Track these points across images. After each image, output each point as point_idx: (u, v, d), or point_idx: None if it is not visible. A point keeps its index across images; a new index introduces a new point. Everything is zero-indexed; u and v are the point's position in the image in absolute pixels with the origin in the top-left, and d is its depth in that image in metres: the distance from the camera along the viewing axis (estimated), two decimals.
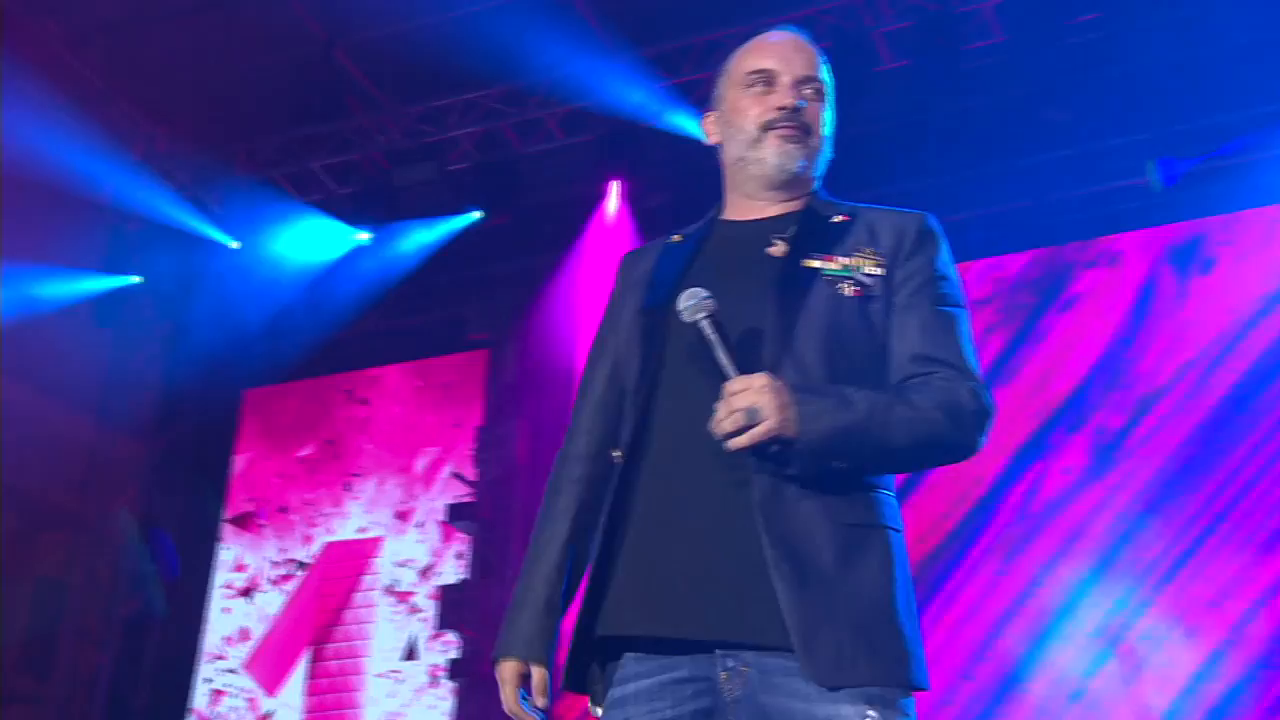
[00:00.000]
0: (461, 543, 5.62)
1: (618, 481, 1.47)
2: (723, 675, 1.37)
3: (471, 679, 5.41)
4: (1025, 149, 5.25)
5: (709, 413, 1.37)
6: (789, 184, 1.63)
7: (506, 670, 1.51)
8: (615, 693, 1.44)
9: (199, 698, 5.88)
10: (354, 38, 5.47)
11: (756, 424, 1.32)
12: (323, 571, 5.90)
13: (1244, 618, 4.25)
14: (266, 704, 5.77)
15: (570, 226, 5.66)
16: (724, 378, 1.36)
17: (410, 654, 5.61)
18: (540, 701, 1.50)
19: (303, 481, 6.10)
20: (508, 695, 1.51)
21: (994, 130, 5.29)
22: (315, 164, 5.80)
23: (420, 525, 5.80)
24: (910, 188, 5.21)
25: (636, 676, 1.41)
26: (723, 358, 1.38)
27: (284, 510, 6.09)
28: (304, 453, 6.17)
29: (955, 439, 1.44)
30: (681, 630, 1.39)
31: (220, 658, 5.95)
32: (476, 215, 5.72)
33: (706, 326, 1.39)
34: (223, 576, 6.12)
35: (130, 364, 6.22)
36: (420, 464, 5.89)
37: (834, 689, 1.27)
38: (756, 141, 1.61)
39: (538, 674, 1.50)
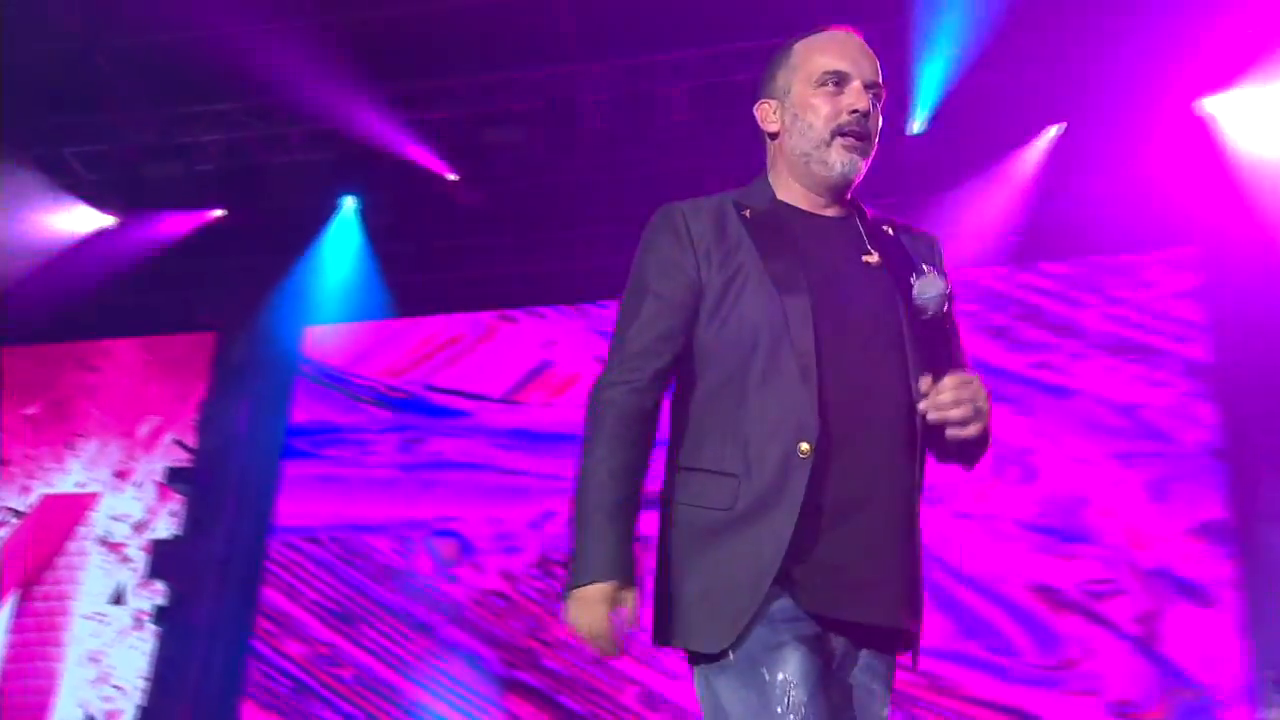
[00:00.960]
0: (177, 503, 6.29)
1: (809, 470, 1.49)
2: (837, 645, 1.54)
3: (174, 625, 6.09)
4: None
5: (873, 400, 1.56)
6: (846, 188, 1.71)
7: (598, 593, 1.50)
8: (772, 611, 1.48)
9: None
10: (118, 41, 5.98)
11: (982, 419, 1.50)
12: (38, 520, 6.40)
13: None
14: None
15: (304, 233, 6.43)
16: (947, 367, 1.52)
17: (118, 599, 6.21)
18: (630, 624, 1.52)
19: (26, 438, 6.56)
20: (599, 616, 1.50)
21: (677, 187, 6.49)
22: (68, 150, 6.28)
23: (138, 485, 6.40)
24: (607, 230, 6.39)
25: (785, 611, 1.48)
26: (956, 344, 1.58)
27: (4, 463, 6.53)
28: (29, 411, 6.62)
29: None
30: (867, 618, 1.53)
31: None
32: (218, 213, 6.38)
33: (943, 303, 1.57)
34: None
35: None
36: (143, 430, 6.49)
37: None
38: (825, 144, 1.66)
39: (630, 596, 1.52)
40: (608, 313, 6.34)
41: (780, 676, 1.43)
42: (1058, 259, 5.93)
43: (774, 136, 1.75)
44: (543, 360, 6.38)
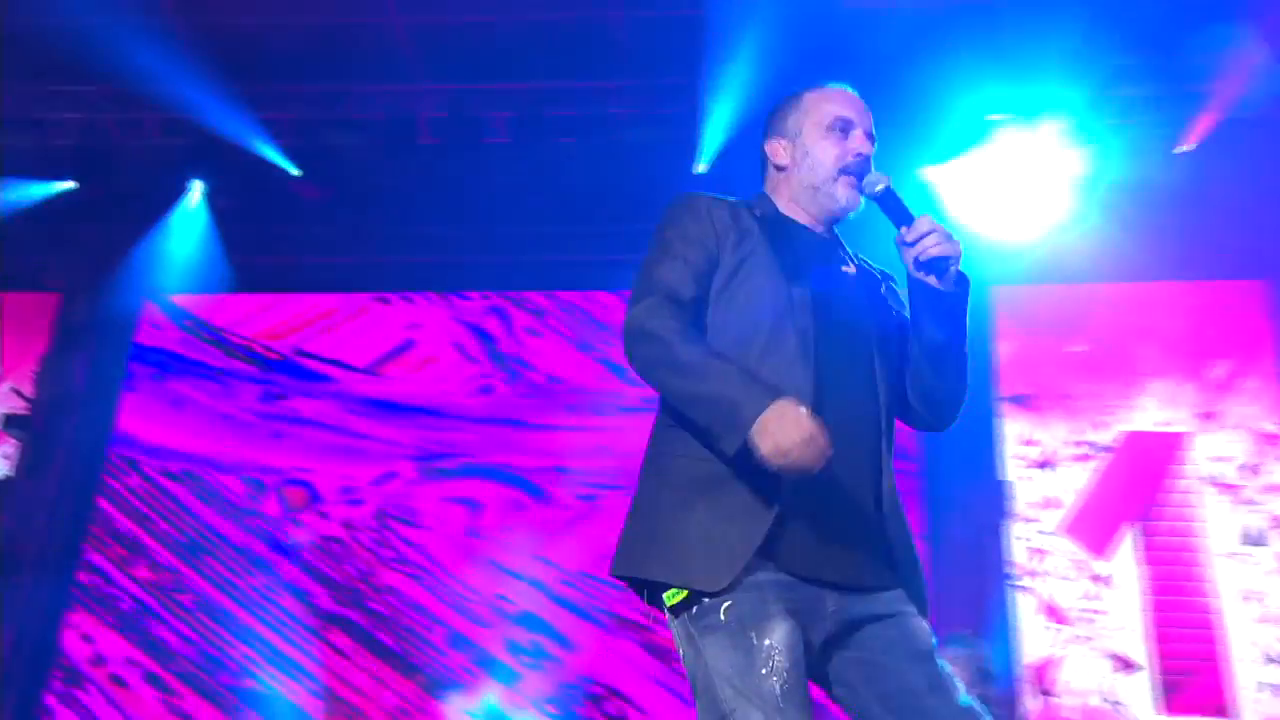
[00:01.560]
0: (11, 446, 6.76)
1: None
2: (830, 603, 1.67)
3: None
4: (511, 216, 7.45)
5: (856, 386, 1.77)
6: (842, 218, 1.98)
7: (785, 405, 1.53)
8: (749, 579, 1.58)
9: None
10: None
11: (956, 247, 1.74)
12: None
13: None
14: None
15: (153, 209, 7.04)
16: (908, 218, 1.78)
17: None
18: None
19: None
20: (803, 419, 1.52)
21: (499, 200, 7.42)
22: None
23: None
24: (435, 231, 7.32)
25: (776, 583, 1.61)
26: (905, 206, 1.81)
27: None
28: None
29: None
30: (845, 580, 1.67)
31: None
32: (70, 185, 6.89)
33: (885, 184, 1.84)
34: None
35: None
36: None
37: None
38: (831, 180, 1.92)
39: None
40: (469, 303, 7.46)
41: (767, 642, 1.55)
42: None
43: (781, 169, 2.00)
44: (407, 340, 7.30)
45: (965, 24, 6.14)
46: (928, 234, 1.74)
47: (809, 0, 6.15)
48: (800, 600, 1.62)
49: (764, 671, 1.54)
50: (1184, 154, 6.45)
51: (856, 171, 1.91)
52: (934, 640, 1.71)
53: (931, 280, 1.75)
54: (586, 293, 7.54)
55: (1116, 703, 5.85)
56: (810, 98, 2.00)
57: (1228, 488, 6.18)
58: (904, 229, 1.78)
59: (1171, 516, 6.21)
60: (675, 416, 1.73)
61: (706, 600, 1.58)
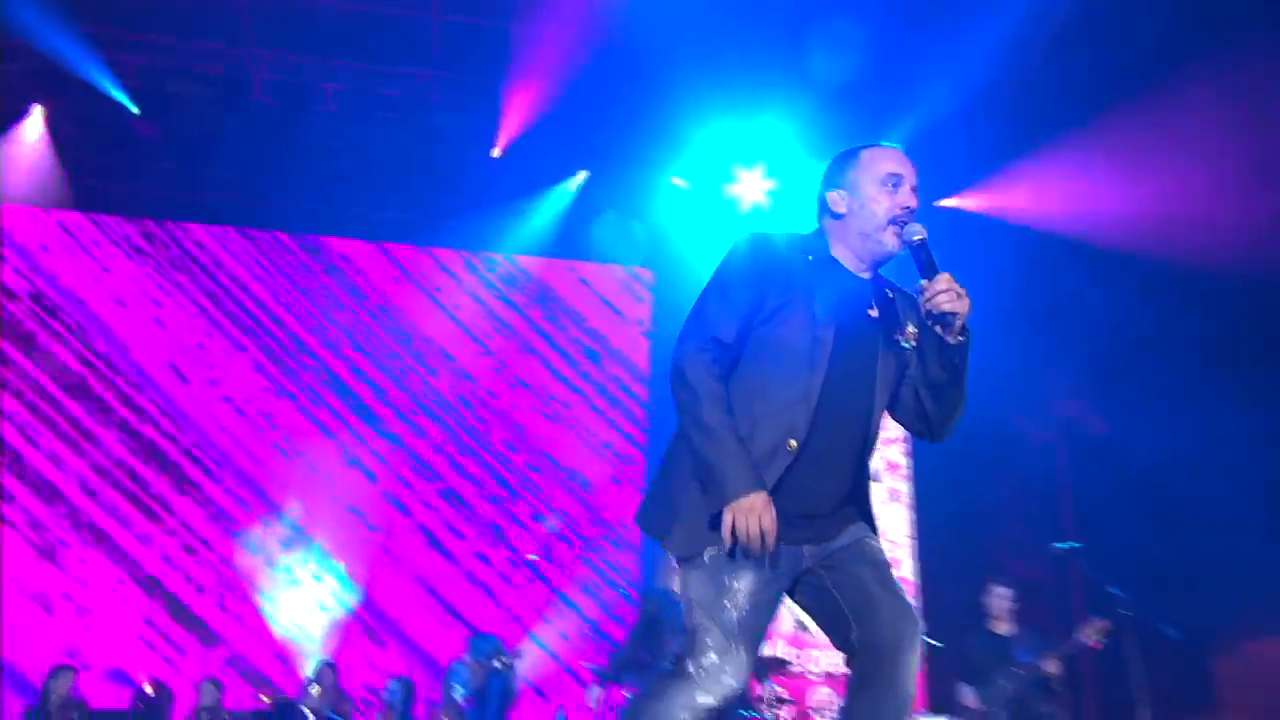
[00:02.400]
0: None
1: (791, 458, 2.05)
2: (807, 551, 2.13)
3: None
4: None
5: (846, 420, 2.12)
6: (886, 262, 2.23)
7: (758, 500, 1.95)
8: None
9: None
10: None
11: (966, 303, 1.99)
12: None
13: None
14: None
15: None
16: (933, 272, 2.04)
17: None
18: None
19: None
20: (765, 516, 1.95)
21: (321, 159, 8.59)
22: None
23: None
24: (259, 181, 8.42)
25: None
26: (933, 260, 2.05)
27: None
28: None
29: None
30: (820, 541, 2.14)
31: None
32: None
33: (922, 235, 2.10)
34: None
35: None
36: None
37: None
38: (882, 229, 2.17)
39: (771, 501, 1.98)
40: (263, 235, 8.53)
41: (735, 585, 2.01)
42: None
43: (838, 217, 2.24)
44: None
45: (715, 58, 7.87)
46: (943, 291, 2.00)
47: (596, 23, 7.66)
48: (782, 558, 2.06)
49: (726, 605, 2.01)
50: None
51: (903, 222, 2.16)
52: (884, 555, 2.22)
53: (939, 330, 2.04)
54: (389, 244, 8.98)
55: None
56: (867, 155, 2.24)
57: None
58: (925, 282, 2.05)
59: None
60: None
61: (703, 552, 2.06)
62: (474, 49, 7.84)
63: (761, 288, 2.13)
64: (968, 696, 5.30)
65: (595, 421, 8.98)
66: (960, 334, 2.03)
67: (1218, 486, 5.61)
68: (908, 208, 2.16)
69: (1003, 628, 5.41)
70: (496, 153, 8.25)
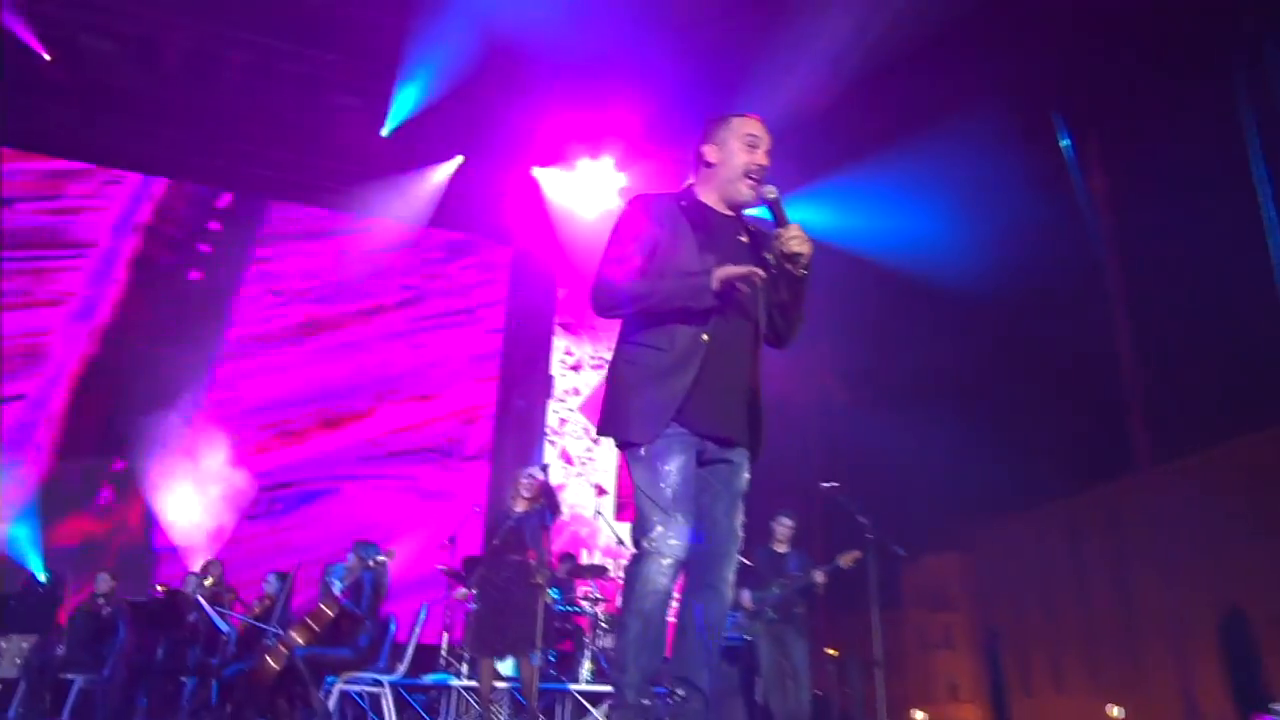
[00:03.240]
0: None
1: (705, 350, 2.49)
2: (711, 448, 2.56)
3: None
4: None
5: (740, 317, 2.55)
6: (744, 206, 2.72)
7: (720, 270, 2.45)
8: (665, 432, 2.47)
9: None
10: None
11: (809, 247, 2.47)
12: None
13: None
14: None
15: None
16: (784, 222, 2.50)
17: None
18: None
19: None
20: (738, 268, 2.46)
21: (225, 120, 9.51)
22: None
23: None
24: (164, 132, 9.30)
25: (680, 435, 2.48)
26: (784, 212, 2.51)
27: None
28: None
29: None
30: (729, 435, 2.56)
31: None
32: None
33: (775, 194, 2.54)
34: None
35: None
36: None
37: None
38: (740, 178, 2.66)
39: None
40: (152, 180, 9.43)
41: (667, 468, 2.46)
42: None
43: (709, 165, 2.72)
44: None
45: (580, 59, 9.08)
46: (794, 236, 2.47)
47: (478, 26, 8.68)
48: (691, 445, 2.52)
49: (662, 485, 2.44)
50: None
51: (756, 178, 2.64)
52: (745, 487, 2.64)
53: (788, 266, 2.51)
54: (279, 203, 10.09)
55: (599, 513, 9.59)
56: (735, 120, 2.71)
57: None
58: (780, 230, 2.50)
59: None
60: (629, 333, 2.59)
61: (641, 447, 2.51)
62: (370, 38, 8.84)
63: (650, 231, 2.59)
64: (745, 598, 6.32)
65: (455, 362, 10.34)
66: (805, 269, 2.53)
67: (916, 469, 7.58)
68: (760, 165, 2.65)
69: (781, 548, 6.54)
70: (384, 132, 9.37)
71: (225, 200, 10.06)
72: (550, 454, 9.73)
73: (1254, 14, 7.28)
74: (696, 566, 2.53)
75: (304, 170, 9.82)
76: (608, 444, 9.82)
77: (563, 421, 9.96)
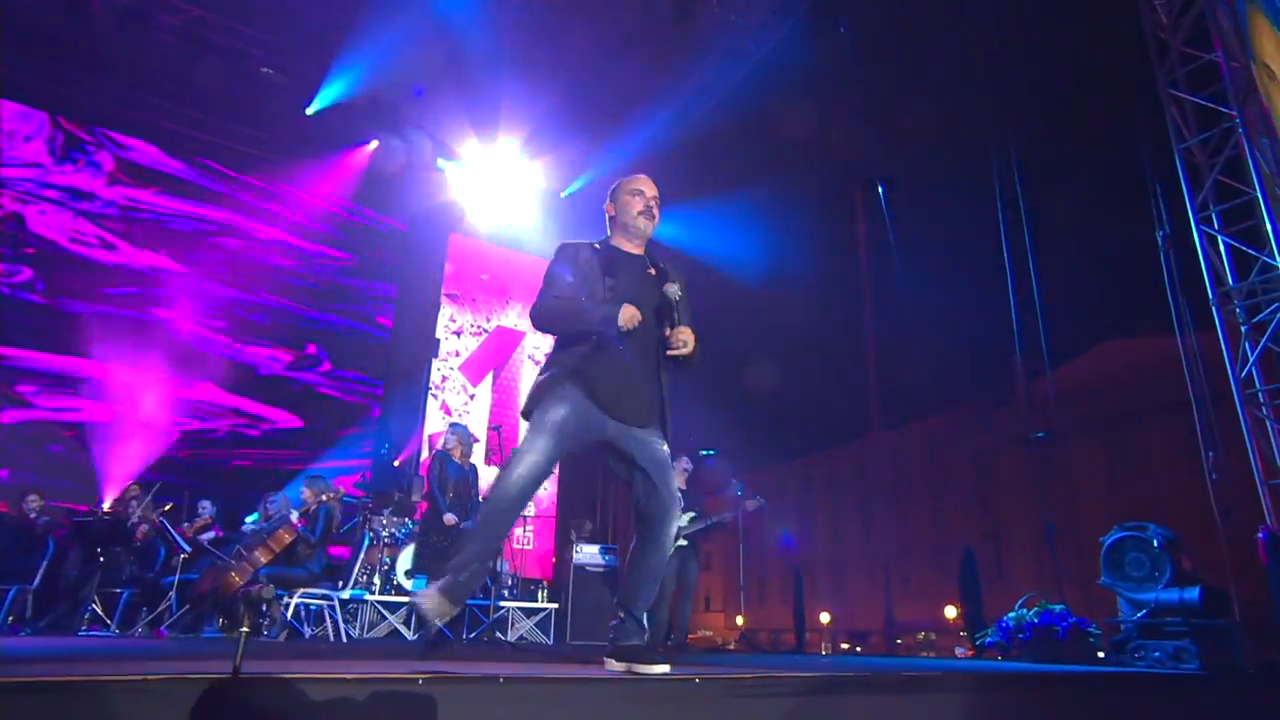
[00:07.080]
0: None
1: (611, 349, 3.10)
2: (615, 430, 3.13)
3: None
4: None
5: (643, 335, 3.13)
6: (644, 241, 3.39)
7: (625, 310, 3.06)
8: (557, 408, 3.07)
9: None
10: None
11: (693, 346, 3.15)
12: None
13: None
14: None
15: None
16: (680, 322, 3.16)
17: None
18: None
19: None
20: (634, 312, 3.07)
21: (156, 78, 10.06)
22: None
23: None
24: (103, 84, 9.83)
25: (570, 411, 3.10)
26: (684, 314, 3.21)
27: None
28: None
29: None
30: (632, 420, 3.14)
31: None
32: None
33: (677, 296, 3.20)
34: None
35: None
36: None
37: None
38: (634, 218, 3.34)
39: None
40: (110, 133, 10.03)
41: (549, 418, 3.08)
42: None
43: (613, 218, 3.40)
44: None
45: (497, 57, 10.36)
46: (683, 340, 3.16)
47: (412, 19, 9.61)
48: (592, 420, 3.14)
49: (540, 432, 3.07)
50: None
51: (646, 212, 3.37)
52: (666, 454, 3.21)
53: (677, 353, 3.20)
54: (200, 158, 10.85)
55: None
56: (625, 181, 3.44)
57: (538, 362, 11.62)
58: (674, 330, 3.19)
59: (513, 367, 11.86)
60: (556, 346, 3.24)
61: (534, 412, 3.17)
62: (310, 23, 9.68)
63: (572, 271, 3.20)
64: None
65: (354, 325, 11.55)
66: (689, 358, 3.22)
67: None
68: (649, 206, 3.36)
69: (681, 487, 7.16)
70: (310, 111, 10.32)
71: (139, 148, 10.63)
72: (432, 406, 11.16)
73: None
74: (645, 522, 3.16)
75: (226, 135, 10.55)
76: (482, 398, 11.52)
77: (445, 378, 11.43)
